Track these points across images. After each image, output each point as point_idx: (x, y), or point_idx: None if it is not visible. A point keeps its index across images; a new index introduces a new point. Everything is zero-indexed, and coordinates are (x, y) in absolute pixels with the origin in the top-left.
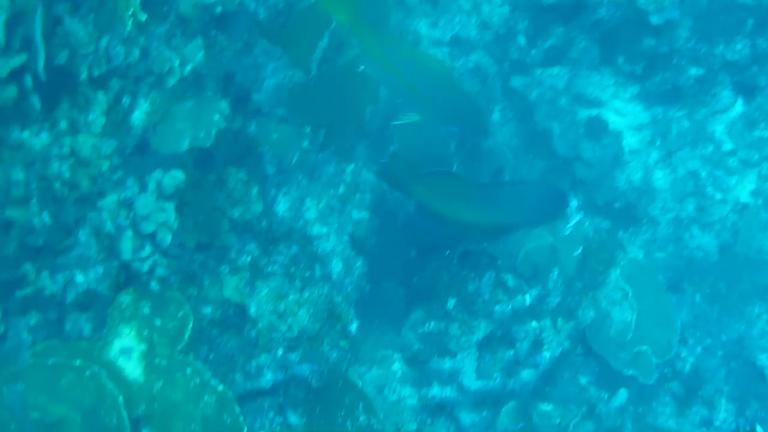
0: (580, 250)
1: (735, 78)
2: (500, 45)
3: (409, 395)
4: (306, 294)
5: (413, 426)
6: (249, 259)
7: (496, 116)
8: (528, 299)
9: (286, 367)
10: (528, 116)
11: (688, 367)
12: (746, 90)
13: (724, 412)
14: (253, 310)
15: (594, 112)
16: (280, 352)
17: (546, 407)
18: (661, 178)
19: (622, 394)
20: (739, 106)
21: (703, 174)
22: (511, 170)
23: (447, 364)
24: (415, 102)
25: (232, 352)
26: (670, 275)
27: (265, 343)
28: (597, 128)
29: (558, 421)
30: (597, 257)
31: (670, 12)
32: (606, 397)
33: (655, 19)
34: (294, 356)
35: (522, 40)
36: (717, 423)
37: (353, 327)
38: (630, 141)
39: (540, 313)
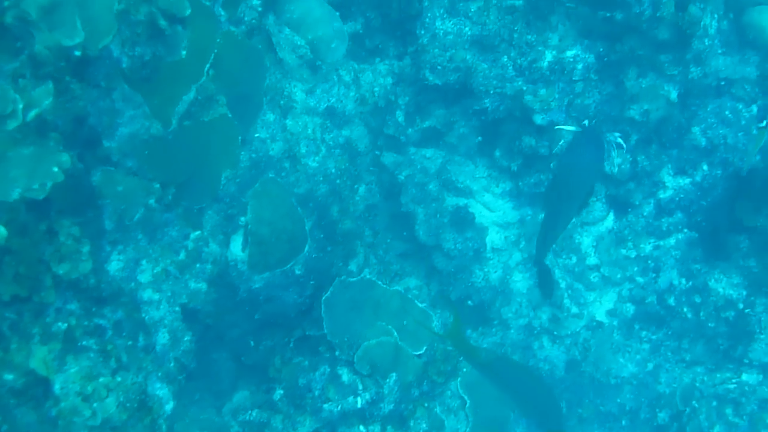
0: (423, 358)
1: (610, 191)
2: (378, 117)
3: None
4: (119, 378)
5: None
6: (65, 326)
7: (361, 190)
8: (360, 401)
9: None
10: (395, 196)
11: None
12: (619, 205)
13: None
14: (57, 387)
15: (462, 202)
16: None
17: None
18: (519, 281)
19: None
20: (609, 221)
21: (563, 284)
22: (366, 250)
23: None
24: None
25: (27, 428)
26: None
27: (65, 425)
28: (462, 219)
29: None
30: (439, 368)
31: (556, 114)
32: None
33: (538, 119)
34: None
35: (400, 116)
36: None
37: (167, 409)
38: (494, 238)
39: (370, 417)
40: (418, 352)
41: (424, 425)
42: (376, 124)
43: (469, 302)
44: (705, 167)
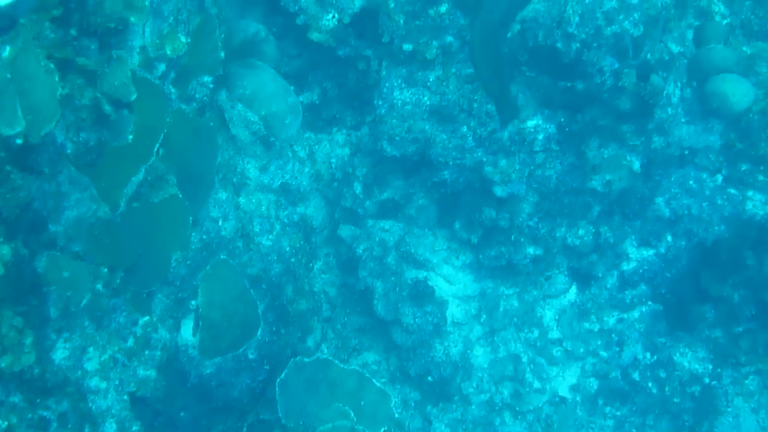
0: None
1: (572, 264)
2: (335, 190)
3: None
4: None
5: None
6: (6, 424)
7: (318, 265)
8: None
9: None
10: (353, 270)
11: None
12: (582, 278)
13: None
14: None
15: (422, 275)
16: None
17: None
18: (480, 355)
19: None
20: (572, 294)
21: (525, 359)
22: (323, 325)
23: None
24: None
25: None
26: None
27: None
28: (422, 293)
29: None
30: None
31: (516, 186)
32: None
33: (499, 191)
34: None
35: (358, 188)
36: None
37: None
38: (454, 311)
39: None
40: None
41: None
42: (333, 196)
43: (429, 378)
44: (669, 238)
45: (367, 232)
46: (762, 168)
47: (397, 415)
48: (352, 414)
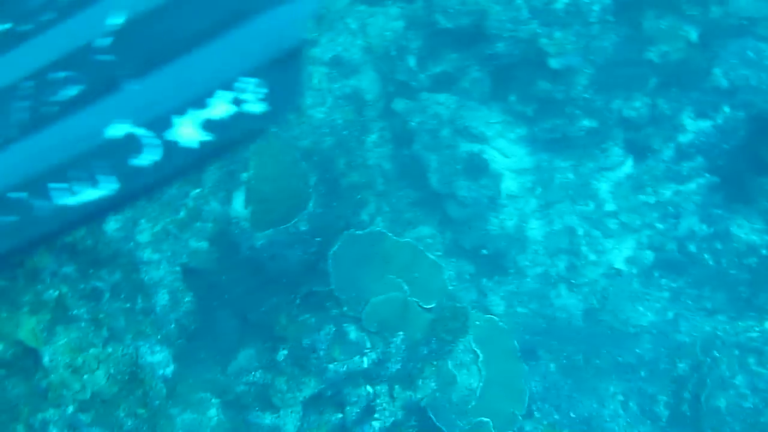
0: (431, 314)
1: (629, 136)
2: (388, 63)
3: None
4: (109, 349)
5: None
6: (57, 294)
7: (372, 138)
8: (366, 361)
9: (75, 428)
10: (407, 143)
11: None
12: (638, 150)
13: None
14: (47, 359)
15: (476, 148)
16: (70, 410)
17: None
18: (535, 228)
19: None
20: (628, 166)
21: (580, 232)
22: (378, 199)
23: (267, 419)
24: None
25: (17, 400)
26: (527, 337)
27: (55, 398)
28: (477, 166)
29: None
30: (447, 326)
31: (572, 58)
32: None
33: (554, 63)
34: (85, 417)
35: (412, 61)
36: None
37: (167, 373)
38: (509, 185)
39: (377, 377)
40: (428, 307)
41: (433, 384)
42: (387, 70)
43: (484, 251)
44: (726, 109)
45: (422, 105)
46: None
47: (450, 288)
48: (405, 286)
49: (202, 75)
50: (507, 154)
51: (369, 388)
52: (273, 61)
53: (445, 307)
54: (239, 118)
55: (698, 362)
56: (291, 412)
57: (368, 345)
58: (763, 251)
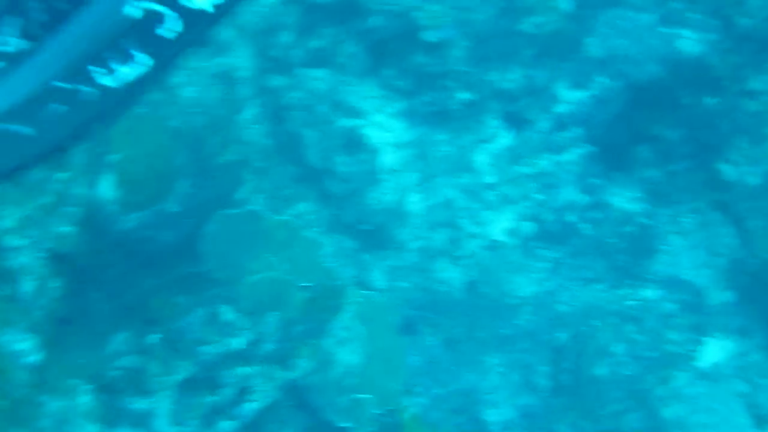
0: (308, 293)
1: (506, 108)
2: (262, 40)
3: None
4: None
5: None
6: None
7: (247, 115)
8: (241, 342)
9: None
10: (284, 119)
11: (408, 418)
12: (515, 122)
13: None
14: None
15: (354, 123)
16: None
17: None
18: (415, 202)
19: None
20: (505, 138)
21: (460, 204)
22: (254, 176)
23: (141, 403)
24: None
25: None
26: (409, 311)
27: None
28: (355, 141)
29: None
30: (324, 304)
31: (446, 31)
32: None
33: (429, 36)
34: None
35: (286, 37)
36: None
37: (34, 360)
38: (388, 159)
39: (252, 358)
40: (305, 285)
41: (310, 363)
42: (262, 47)
43: (365, 226)
44: (602, 79)
45: (298, 81)
46: (695, 6)
47: (329, 264)
48: (282, 264)
49: None
50: (385, 129)
51: (244, 369)
52: None
53: (323, 285)
54: None
55: (578, 332)
56: (164, 395)
57: (243, 326)
58: (641, 219)
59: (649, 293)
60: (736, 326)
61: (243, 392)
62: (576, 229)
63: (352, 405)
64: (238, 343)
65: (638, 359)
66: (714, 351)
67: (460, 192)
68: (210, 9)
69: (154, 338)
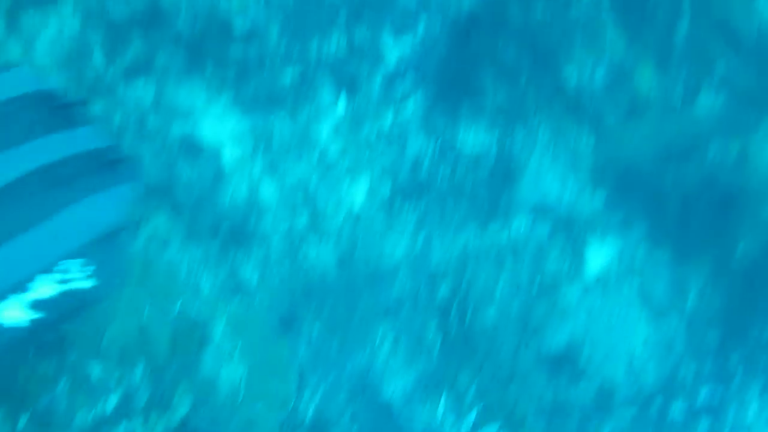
0: (171, 325)
1: (335, 75)
2: (74, 65)
3: None
4: None
5: None
6: None
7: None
8: (114, 399)
9: None
10: (114, 140)
11: (310, 415)
12: (348, 86)
13: None
14: None
15: (188, 127)
16: None
17: None
18: (268, 190)
19: None
20: (342, 105)
21: (313, 182)
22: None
23: None
24: None
25: None
26: (286, 306)
27: None
28: (193, 145)
29: None
30: (189, 338)
31: (255, 14)
32: None
33: (240, 23)
34: None
35: (99, 58)
36: None
37: None
38: (230, 154)
39: (131, 412)
40: (168, 318)
41: (191, 396)
42: (75, 73)
43: (223, 226)
44: (424, 19)
45: (122, 98)
46: None
47: (191, 281)
48: (143, 300)
49: (24, 262)
50: (221, 125)
51: (124, 426)
52: (97, 241)
53: (189, 307)
54: (67, 295)
55: (458, 282)
56: None
57: (112, 381)
58: (495, 149)
59: (521, 222)
60: (614, 226)
61: None
62: (433, 178)
63: (247, 423)
64: (112, 400)
65: (523, 289)
66: (598, 257)
67: (311, 169)
68: (26, 324)
69: (23, 421)
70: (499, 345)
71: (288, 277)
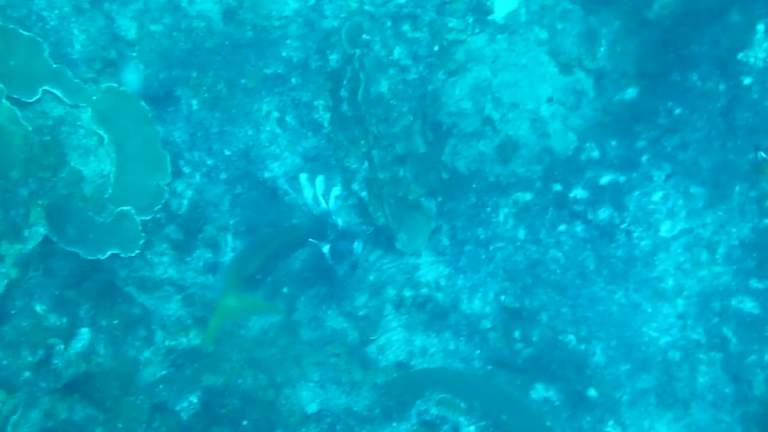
0: (22, 155)
1: None
2: None
3: None
4: None
5: None
6: None
7: None
8: None
9: None
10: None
11: (186, 204)
12: None
13: (230, 252)
14: None
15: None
16: None
17: None
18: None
19: (84, 335)
20: None
21: None
22: None
23: None
24: None
25: None
26: (164, 70)
27: None
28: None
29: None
30: (41, 163)
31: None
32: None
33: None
34: None
35: None
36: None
37: None
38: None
39: None
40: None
41: (42, 228)
42: None
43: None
44: None
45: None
46: None
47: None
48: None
49: None
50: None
51: None
52: None
53: (34, 144)
54: None
55: (349, 55)
56: None
57: None
58: None
59: None
60: None
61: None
62: None
63: (116, 219)
64: None
65: (420, 58)
66: (503, 5)
67: None
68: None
69: None
70: (393, 120)
71: (169, 30)
